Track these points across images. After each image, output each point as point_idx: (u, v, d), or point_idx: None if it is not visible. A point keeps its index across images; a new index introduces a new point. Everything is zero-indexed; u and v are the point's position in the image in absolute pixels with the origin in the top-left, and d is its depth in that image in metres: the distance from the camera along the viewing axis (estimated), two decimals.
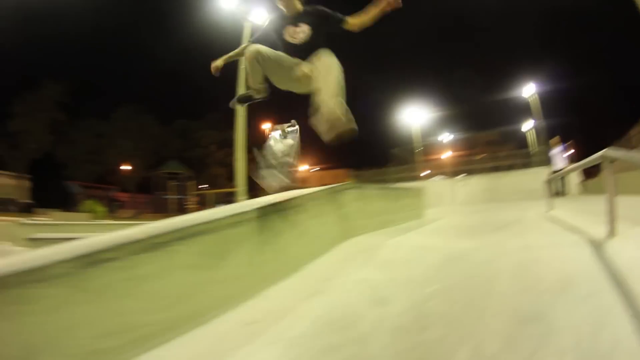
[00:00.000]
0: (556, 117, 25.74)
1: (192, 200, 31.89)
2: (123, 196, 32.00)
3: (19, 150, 33.27)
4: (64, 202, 26.00)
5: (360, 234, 3.25)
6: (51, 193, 27.98)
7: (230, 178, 36.56)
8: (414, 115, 31.32)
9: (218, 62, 3.74)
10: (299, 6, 3.37)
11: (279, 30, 3.39)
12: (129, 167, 36.51)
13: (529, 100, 26.37)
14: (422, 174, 23.71)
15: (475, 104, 36.98)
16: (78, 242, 2.57)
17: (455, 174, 19.61)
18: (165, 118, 38.67)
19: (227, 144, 35.63)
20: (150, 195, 33.46)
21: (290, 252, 2.61)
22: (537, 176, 11.04)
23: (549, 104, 26.42)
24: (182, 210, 28.92)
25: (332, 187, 3.31)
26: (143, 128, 36.10)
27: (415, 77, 58.54)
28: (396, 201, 4.45)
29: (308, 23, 3.29)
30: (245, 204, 3.00)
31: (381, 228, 3.61)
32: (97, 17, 50.62)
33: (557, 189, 10.68)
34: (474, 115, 36.46)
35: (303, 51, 3.18)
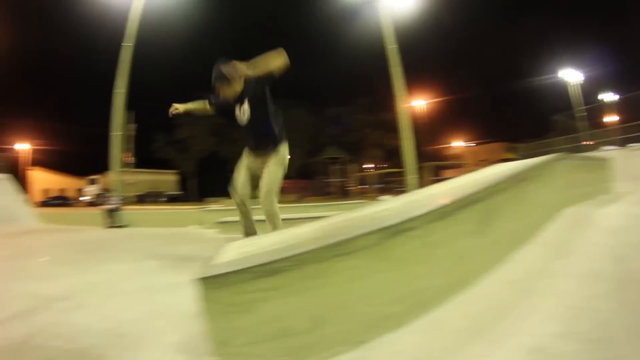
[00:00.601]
0: None
1: (353, 182, 32.92)
2: (284, 182, 34.78)
3: (188, 152, 39.62)
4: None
5: (571, 204, 3.29)
6: (218, 184, 32.38)
7: (385, 158, 37.29)
8: (573, 77, 27.68)
9: (179, 107, 3.78)
10: (238, 88, 3.48)
11: (229, 115, 3.62)
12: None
13: None
14: (588, 143, 20.92)
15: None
16: (359, 214, 3.15)
17: (625, 142, 17.07)
18: (314, 109, 39.73)
19: (381, 126, 36.23)
20: (311, 180, 36.23)
21: (528, 219, 2.74)
22: None
23: None
24: (344, 192, 30.98)
25: (553, 157, 3.31)
26: (296, 120, 36.78)
27: (568, 32, 50.92)
28: (592, 172, 4.32)
29: (249, 98, 3.49)
30: (497, 172, 3.23)
31: (584, 200, 3.56)
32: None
33: None
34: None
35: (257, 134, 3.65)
